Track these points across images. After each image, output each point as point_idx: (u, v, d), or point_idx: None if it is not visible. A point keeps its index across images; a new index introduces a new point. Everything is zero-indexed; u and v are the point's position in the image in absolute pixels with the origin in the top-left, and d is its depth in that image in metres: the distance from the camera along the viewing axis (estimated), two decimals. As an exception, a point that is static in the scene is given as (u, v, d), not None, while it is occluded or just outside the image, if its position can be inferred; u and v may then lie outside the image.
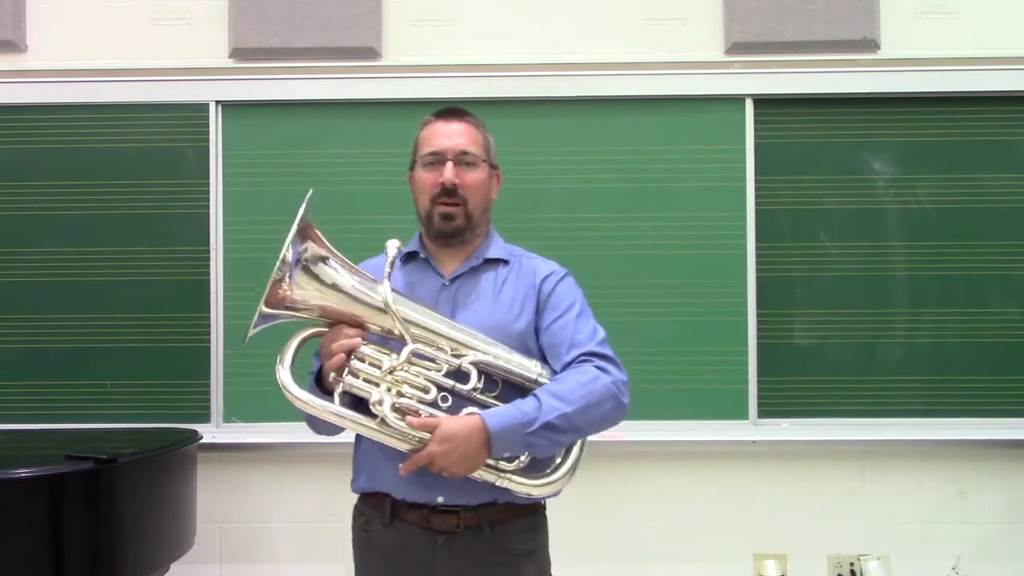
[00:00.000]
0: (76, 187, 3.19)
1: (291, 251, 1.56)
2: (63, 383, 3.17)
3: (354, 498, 1.83)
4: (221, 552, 3.18)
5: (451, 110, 1.82)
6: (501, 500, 1.69)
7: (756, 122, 3.14)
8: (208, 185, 3.17)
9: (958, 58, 3.14)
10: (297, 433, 2.80)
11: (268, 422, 3.10)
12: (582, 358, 1.68)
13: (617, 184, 3.14)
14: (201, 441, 2.97)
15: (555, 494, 1.71)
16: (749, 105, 3.15)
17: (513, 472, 1.62)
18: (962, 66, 3.13)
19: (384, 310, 1.61)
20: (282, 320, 1.64)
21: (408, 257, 1.81)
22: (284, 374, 1.60)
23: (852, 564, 2.94)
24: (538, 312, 1.76)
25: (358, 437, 1.76)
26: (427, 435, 1.56)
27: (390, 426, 1.57)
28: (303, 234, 1.60)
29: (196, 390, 3.16)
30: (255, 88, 3.18)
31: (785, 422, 3.13)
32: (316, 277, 1.61)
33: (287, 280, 1.57)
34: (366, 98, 3.15)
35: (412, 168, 1.82)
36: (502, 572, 1.71)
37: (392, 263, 1.64)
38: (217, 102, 3.18)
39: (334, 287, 1.62)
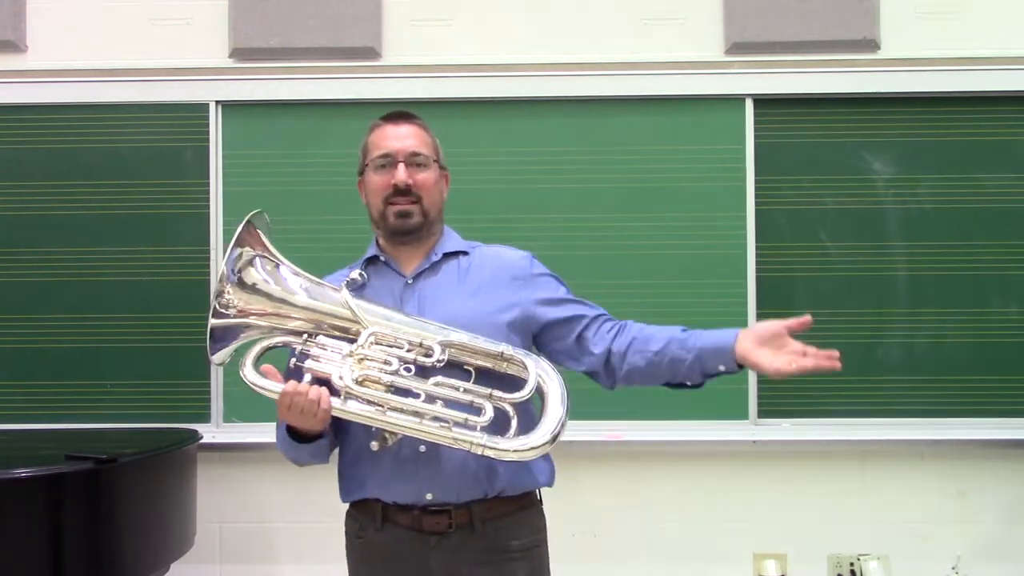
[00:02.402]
0: (76, 187, 3.19)
1: (227, 266, 1.60)
2: (63, 383, 3.17)
3: None
4: (221, 552, 3.18)
5: (399, 113, 1.82)
6: (491, 494, 1.68)
7: (756, 122, 3.14)
8: (208, 185, 3.17)
9: (958, 58, 3.14)
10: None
11: (268, 422, 3.06)
12: (606, 319, 1.79)
13: (617, 184, 3.14)
14: (201, 441, 2.97)
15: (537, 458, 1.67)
16: (749, 105, 3.15)
17: (484, 431, 1.57)
18: (962, 66, 3.13)
19: (342, 313, 1.63)
20: (242, 340, 1.65)
21: (367, 262, 1.81)
22: (252, 375, 1.61)
23: (852, 564, 2.94)
24: (529, 293, 1.77)
25: (339, 445, 1.77)
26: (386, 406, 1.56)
27: (354, 397, 1.57)
28: (243, 244, 1.64)
29: (196, 390, 3.16)
30: (255, 88, 3.18)
31: (785, 422, 3.13)
32: (263, 287, 1.64)
33: (228, 292, 1.61)
34: (366, 98, 3.15)
35: (361, 173, 1.82)
36: (495, 570, 1.70)
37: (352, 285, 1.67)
38: (217, 102, 3.18)
39: (284, 294, 1.65)
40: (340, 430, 1.73)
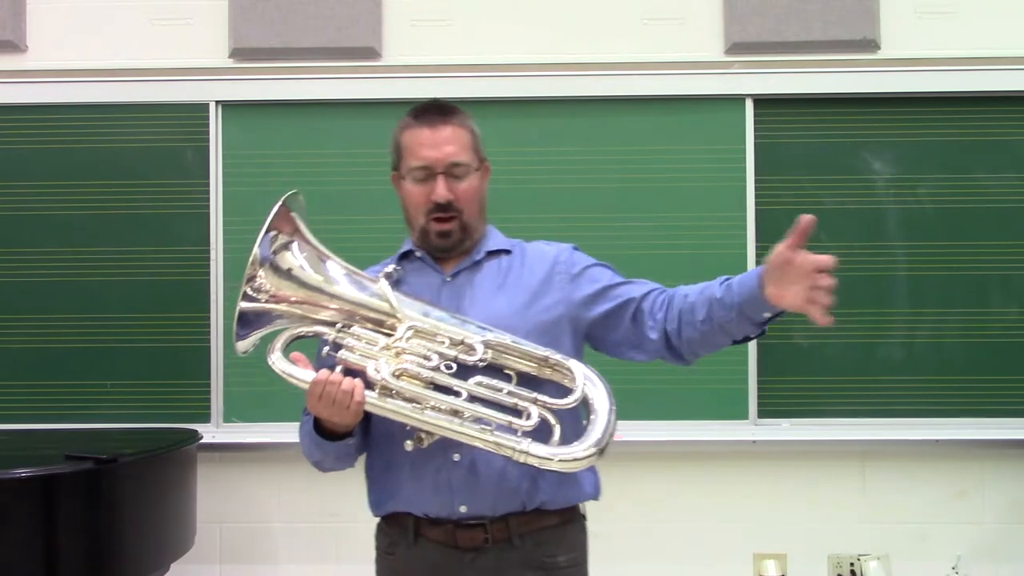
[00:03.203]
0: (76, 187, 3.18)
1: (261, 249, 1.52)
2: (63, 383, 3.17)
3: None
4: (221, 552, 3.18)
5: (432, 109, 1.71)
6: (530, 507, 1.59)
7: (756, 122, 3.14)
8: (208, 185, 3.17)
9: (958, 58, 3.14)
10: (297, 433, 2.80)
11: (268, 422, 3.09)
12: (658, 294, 1.65)
13: (617, 184, 3.14)
14: (201, 441, 2.97)
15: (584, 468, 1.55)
16: (749, 105, 3.15)
17: (527, 436, 1.47)
18: (962, 66, 3.13)
19: (378, 305, 1.56)
20: (269, 328, 1.58)
21: (402, 257, 1.74)
22: (281, 362, 1.53)
23: (852, 564, 2.94)
24: (577, 289, 1.68)
25: (368, 453, 1.69)
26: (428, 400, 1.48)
27: (391, 394, 1.49)
28: (277, 226, 1.55)
29: (196, 390, 3.15)
30: (255, 88, 3.18)
31: (785, 422, 3.13)
32: (297, 272, 1.56)
33: (260, 276, 1.52)
34: (366, 98, 3.15)
35: (396, 169, 1.73)
36: None
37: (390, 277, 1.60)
38: (217, 102, 3.18)
39: (319, 282, 1.57)
40: (370, 437, 1.64)
